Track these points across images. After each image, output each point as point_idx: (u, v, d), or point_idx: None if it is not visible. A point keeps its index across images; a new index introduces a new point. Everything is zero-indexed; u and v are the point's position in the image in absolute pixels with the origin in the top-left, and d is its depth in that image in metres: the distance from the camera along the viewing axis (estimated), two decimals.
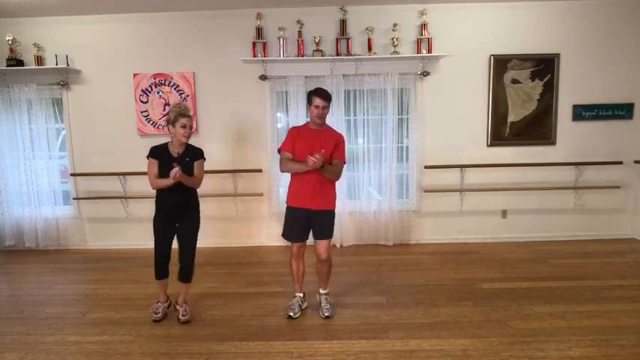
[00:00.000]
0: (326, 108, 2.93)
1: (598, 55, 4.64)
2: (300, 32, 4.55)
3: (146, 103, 4.77)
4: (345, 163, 3.07)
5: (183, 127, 2.85)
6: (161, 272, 3.02)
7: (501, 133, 4.74)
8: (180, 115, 2.85)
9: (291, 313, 3.03)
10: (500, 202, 4.85)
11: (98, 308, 3.32)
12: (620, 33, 4.60)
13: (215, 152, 4.83)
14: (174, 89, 4.74)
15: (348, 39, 4.56)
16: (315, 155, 2.70)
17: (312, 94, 2.93)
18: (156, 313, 3.08)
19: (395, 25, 4.50)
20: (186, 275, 3.04)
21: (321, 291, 3.15)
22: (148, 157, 2.96)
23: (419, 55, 4.55)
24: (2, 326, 3.04)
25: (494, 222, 4.90)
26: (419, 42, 4.57)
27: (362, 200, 4.81)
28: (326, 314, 3.02)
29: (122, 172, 4.78)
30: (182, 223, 3.01)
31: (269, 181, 4.81)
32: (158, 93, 4.75)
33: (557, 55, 4.63)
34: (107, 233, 4.98)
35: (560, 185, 4.77)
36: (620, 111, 4.71)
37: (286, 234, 3.10)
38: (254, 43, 4.57)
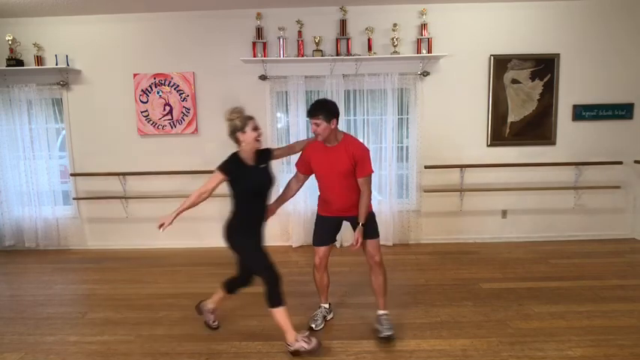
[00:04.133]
0: (319, 124, 2.56)
1: (598, 55, 4.63)
2: (300, 32, 4.55)
3: (146, 103, 4.77)
4: (369, 175, 2.69)
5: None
6: None
7: (501, 133, 4.74)
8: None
9: (313, 325, 2.87)
10: (500, 202, 4.85)
11: (98, 308, 3.32)
12: (619, 33, 4.60)
13: (215, 153, 4.82)
14: (174, 89, 4.74)
15: (348, 39, 4.55)
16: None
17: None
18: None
19: (395, 25, 4.50)
20: None
21: (380, 312, 2.83)
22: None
23: (419, 55, 4.55)
24: (2, 326, 3.04)
25: (495, 222, 4.89)
26: (419, 42, 4.57)
27: None
28: (387, 333, 2.68)
29: (122, 172, 4.78)
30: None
31: None
32: (158, 93, 4.75)
33: (557, 55, 4.63)
34: (107, 233, 4.98)
35: (560, 185, 4.76)
36: (620, 111, 4.70)
37: (316, 240, 2.90)
38: (254, 43, 4.57)
